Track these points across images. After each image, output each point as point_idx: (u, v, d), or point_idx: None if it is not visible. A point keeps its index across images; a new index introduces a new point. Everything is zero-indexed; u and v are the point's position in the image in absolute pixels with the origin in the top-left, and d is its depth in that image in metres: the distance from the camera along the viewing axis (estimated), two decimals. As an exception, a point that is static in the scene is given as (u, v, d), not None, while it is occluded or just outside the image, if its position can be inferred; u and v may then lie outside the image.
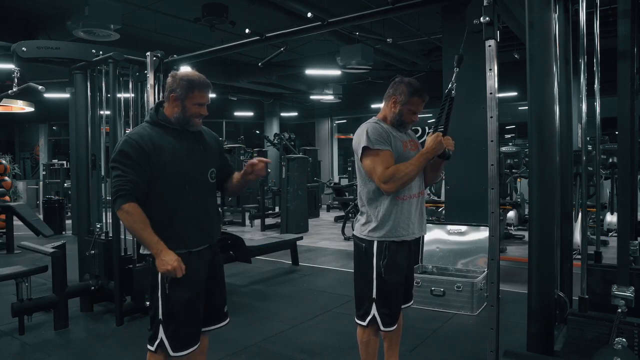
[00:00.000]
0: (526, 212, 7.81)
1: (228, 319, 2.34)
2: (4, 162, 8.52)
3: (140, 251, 2.19)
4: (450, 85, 2.33)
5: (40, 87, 5.64)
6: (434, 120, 2.33)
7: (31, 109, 10.94)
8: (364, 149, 2.29)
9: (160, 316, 2.10)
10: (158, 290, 2.09)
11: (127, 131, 4.37)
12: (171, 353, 2.09)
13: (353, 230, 2.52)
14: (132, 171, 2.01)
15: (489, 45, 2.18)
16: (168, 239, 2.06)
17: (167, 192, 2.08)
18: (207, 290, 2.20)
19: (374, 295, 2.36)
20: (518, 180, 8.73)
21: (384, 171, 2.25)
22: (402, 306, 2.49)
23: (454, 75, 2.32)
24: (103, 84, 4.24)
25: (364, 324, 2.41)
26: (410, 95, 2.34)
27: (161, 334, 2.10)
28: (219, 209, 2.37)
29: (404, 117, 2.38)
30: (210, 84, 2.18)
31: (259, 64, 8.02)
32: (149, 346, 2.14)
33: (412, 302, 2.59)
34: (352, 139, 2.43)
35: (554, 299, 2.18)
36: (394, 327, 2.41)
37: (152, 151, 2.05)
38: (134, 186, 2.01)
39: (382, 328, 2.38)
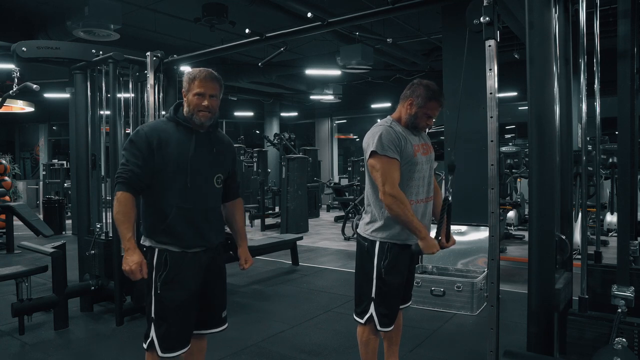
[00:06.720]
0: (526, 212, 7.81)
1: (226, 325, 2.31)
2: (4, 162, 8.52)
3: (142, 241, 2.17)
4: (446, 193, 2.34)
5: (35, 86, 5.68)
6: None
7: (31, 109, 10.94)
8: (372, 152, 2.28)
9: (153, 315, 2.10)
10: (152, 289, 2.09)
11: (127, 131, 4.38)
12: (159, 353, 2.09)
13: (354, 229, 2.53)
14: (136, 161, 2.04)
15: (489, 45, 2.18)
16: (161, 231, 2.07)
17: (167, 187, 2.08)
18: (205, 294, 2.19)
19: (373, 295, 2.36)
20: (518, 180, 8.74)
21: (395, 187, 2.23)
22: (400, 306, 2.50)
23: (449, 182, 2.35)
24: (103, 84, 4.23)
25: (362, 321, 2.42)
26: (428, 99, 2.33)
27: (152, 333, 2.10)
28: (221, 214, 2.34)
29: (418, 119, 2.37)
30: (216, 76, 2.13)
31: (259, 64, 8.01)
32: (143, 344, 2.16)
33: (410, 302, 2.60)
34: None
35: (555, 242, 2.17)
36: (391, 327, 2.41)
37: (158, 144, 2.06)
38: (133, 176, 2.03)
39: (378, 327, 2.39)
